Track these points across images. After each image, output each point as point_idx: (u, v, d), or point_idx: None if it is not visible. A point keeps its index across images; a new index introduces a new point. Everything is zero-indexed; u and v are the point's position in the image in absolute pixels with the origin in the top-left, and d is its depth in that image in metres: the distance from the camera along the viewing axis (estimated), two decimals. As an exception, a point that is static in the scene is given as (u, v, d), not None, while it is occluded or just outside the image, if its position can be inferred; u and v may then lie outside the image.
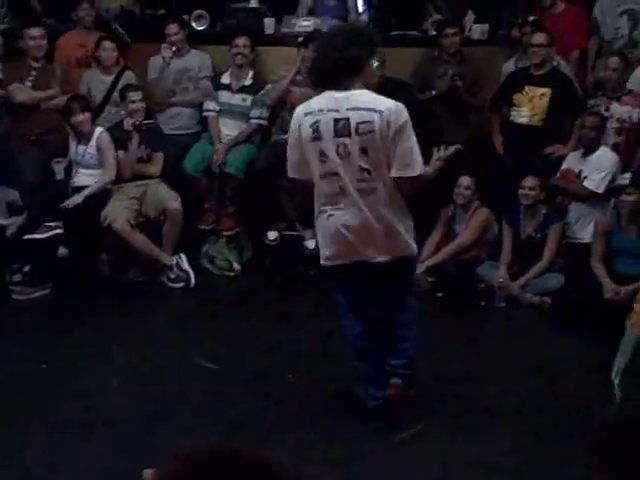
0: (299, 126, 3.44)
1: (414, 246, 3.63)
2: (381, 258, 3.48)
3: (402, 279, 3.66)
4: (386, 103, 3.35)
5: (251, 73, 5.93)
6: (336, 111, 3.34)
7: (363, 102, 3.34)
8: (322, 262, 3.60)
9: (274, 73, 5.93)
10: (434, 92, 5.93)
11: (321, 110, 3.37)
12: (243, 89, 5.90)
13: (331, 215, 3.46)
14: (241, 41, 5.87)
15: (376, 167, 3.37)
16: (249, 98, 5.89)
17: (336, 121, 3.33)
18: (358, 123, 3.31)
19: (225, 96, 5.91)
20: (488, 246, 5.51)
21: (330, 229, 3.49)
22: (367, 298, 3.61)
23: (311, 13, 6.48)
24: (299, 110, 3.49)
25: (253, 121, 5.90)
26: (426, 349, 4.46)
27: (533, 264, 5.23)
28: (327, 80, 3.40)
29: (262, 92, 5.87)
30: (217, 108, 5.91)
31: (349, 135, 3.33)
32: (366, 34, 3.45)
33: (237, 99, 5.91)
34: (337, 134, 3.34)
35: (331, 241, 3.51)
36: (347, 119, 3.32)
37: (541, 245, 5.26)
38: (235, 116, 5.92)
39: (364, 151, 3.35)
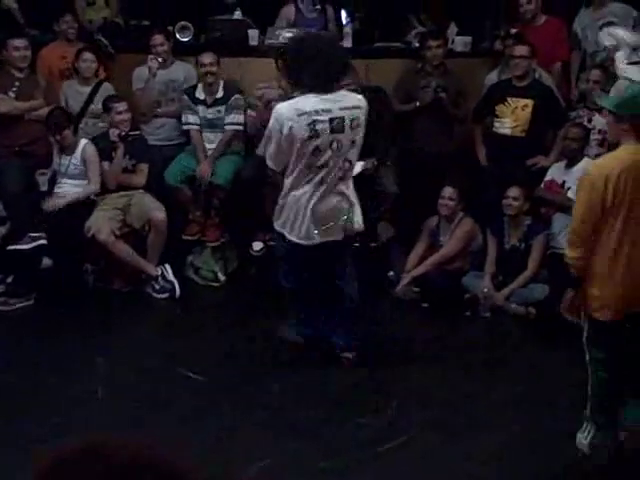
0: (289, 126, 3.84)
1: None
2: (339, 237, 4.10)
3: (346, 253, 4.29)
4: (361, 99, 4.06)
5: (221, 84, 5.87)
6: (329, 111, 3.88)
7: (350, 102, 3.97)
8: (293, 239, 4.07)
9: (258, 83, 5.92)
10: (418, 103, 5.97)
11: (316, 111, 3.85)
12: (216, 102, 5.87)
13: (310, 200, 3.97)
14: (207, 59, 5.76)
15: (354, 157, 4.06)
16: (223, 108, 5.88)
17: (331, 120, 3.88)
18: (352, 120, 3.93)
19: (202, 111, 5.88)
20: (473, 256, 5.53)
21: (306, 212, 3.99)
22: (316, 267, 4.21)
23: (293, 25, 6.50)
24: (286, 111, 3.87)
25: (228, 127, 5.86)
26: (412, 358, 4.51)
27: (517, 274, 5.26)
28: (322, 83, 3.88)
29: (234, 98, 5.83)
30: (198, 121, 5.88)
31: (343, 131, 3.92)
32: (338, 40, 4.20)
33: (213, 112, 5.88)
34: (332, 131, 3.90)
35: (308, 221, 4.00)
36: (342, 118, 3.90)
37: (525, 255, 5.29)
38: (215, 129, 5.90)
39: (353, 143, 4.00)
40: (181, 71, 6.11)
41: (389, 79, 6.16)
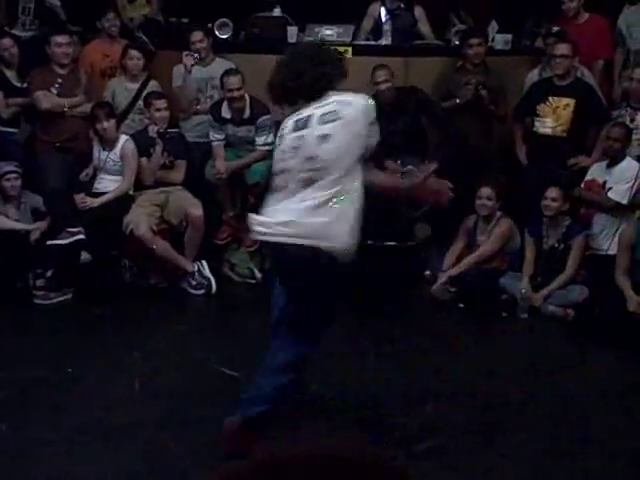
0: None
1: None
2: None
3: None
4: (355, 97, 3.32)
5: (248, 102, 5.79)
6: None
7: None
8: None
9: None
10: (458, 101, 5.93)
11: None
12: (245, 121, 5.82)
13: None
14: (234, 84, 5.65)
15: (330, 154, 3.29)
16: (253, 128, 5.84)
17: (296, 121, 3.32)
18: (324, 114, 3.28)
19: (230, 129, 5.86)
20: (510, 257, 5.48)
21: None
22: None
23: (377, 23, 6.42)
24: None
25: (260, 148, 5.84)
26: (447, 359, 4.48)
27: (556, 275, 5.19)
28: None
29: (262, 119, 5.75)
30: (222, 137, 5.85)
31: (306, 127, 3.29)
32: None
33: (243, 131, 5.85)
34: (296, 129, 3.32)
35: None
36: (310, 115, 3.28)
37: (564, 256, 5.22)
38: (249, 146, 5.90)
39: (325, 137, 3.25)
40: (221, 68, 6.09)
41: (428, 77, 6.12)
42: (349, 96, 3.28)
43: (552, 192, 5.23)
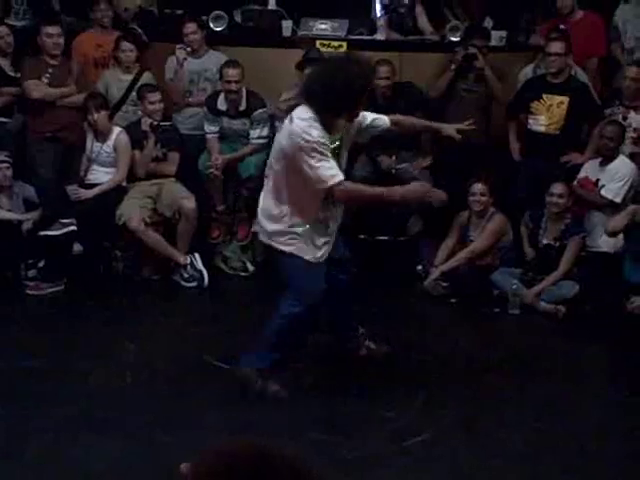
0: None
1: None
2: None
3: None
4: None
5: (244, 94, 5.76)
6: None
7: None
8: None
9: (290, 76, 5.90)
10: (453, 66, 5.90)
11: None
12: (241, 114, 5.79)
13: None
14: (233, 75, 5.61)
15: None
16: (249, 121, 5.80)
17: None
18: None
19: (226, 122, 5.83)
20: (502, 252, 5.48)
21: None
22: None
23: None
24: None
25: (254, 141, 5.80)
26: (439, 354, 4.49)
27: (549, 272, 5.19)
28: None
29: (258, 112, 5.73)
30: (217, 130, 5.81)
31: None
32: None
33: (238, 124, 5.82)
34: None
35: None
36: None
37: (559, 254, 5.21)
38: (241, 139, 5.88)
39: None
40: (213, 61, 6.07)
41: (422, 73, 6.12)
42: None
43: (558, 188, 5.19)
